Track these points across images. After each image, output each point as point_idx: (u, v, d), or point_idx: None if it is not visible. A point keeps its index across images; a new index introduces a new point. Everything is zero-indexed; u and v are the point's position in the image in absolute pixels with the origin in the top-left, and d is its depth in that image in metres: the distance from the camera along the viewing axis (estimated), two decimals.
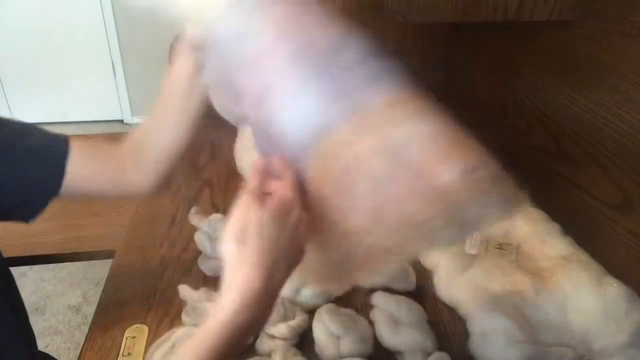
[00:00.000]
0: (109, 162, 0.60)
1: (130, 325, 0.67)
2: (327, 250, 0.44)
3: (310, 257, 0.43)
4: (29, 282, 1.94)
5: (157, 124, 0.60)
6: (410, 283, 0.72)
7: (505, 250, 0.73)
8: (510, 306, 0.62)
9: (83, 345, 0.65)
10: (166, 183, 0.62)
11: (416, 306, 0.66)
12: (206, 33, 0.44)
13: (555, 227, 0.74)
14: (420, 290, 0.72)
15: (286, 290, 0.66)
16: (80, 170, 0.58)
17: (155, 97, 0.60)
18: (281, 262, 0.41)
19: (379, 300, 0.67)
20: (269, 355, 0.60)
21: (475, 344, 0.61)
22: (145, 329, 0.66)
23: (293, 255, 0.43)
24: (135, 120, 3.31)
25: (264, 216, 0.40)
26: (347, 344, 0.61)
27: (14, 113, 3.15)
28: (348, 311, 0.65)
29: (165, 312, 0.69)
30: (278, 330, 0.62)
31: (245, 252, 0.39)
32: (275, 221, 0.40)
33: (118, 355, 0.62)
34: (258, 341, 0.63)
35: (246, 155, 0.95)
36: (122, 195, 0.62)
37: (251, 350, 0.63)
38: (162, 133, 0.59)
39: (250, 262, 0.39)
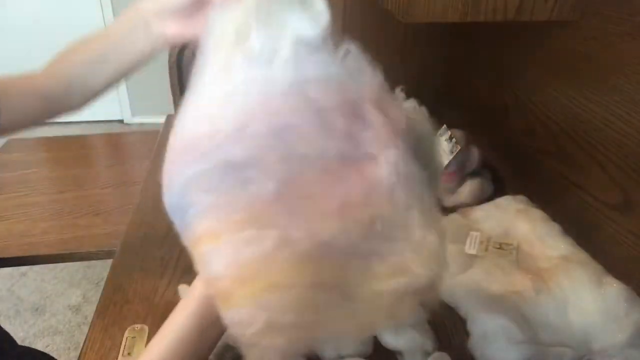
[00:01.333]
0: (38, 93, 0.60)
1: (130, 325, 0.67)
2: None
3: None
4: (29, 282, 1.93)
5: (94, 67, 0.60)
6: None
7: (505, 250, 0.73)
8: (510, 306, 0.62)
9: (83, 345, 0.65)
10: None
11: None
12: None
13: (555, 227, 0.74)
14: None
15: None
16: (10, 109, 0.58)
17: (103, 32, 0.59)
18: None
19: None
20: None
21: (475, 344, 0.61)
22: (146, 329, 0.66)
23: None
24: (136, 120, 3.31)
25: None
26: (347, 344, 0.61)
27: None
28: None
29: (165, 312, 0.69)
30: None
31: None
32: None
33: (118, 355, 0.62)
34: None
35: None
36: (54, 118, 0.64)
37: None
38: (97, 78, 0.60)
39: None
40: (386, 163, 0.36)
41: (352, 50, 0.39)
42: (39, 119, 0.63)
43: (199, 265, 0.37)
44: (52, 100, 0.61)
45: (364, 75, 0.39)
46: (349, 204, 0.35)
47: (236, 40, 0.38)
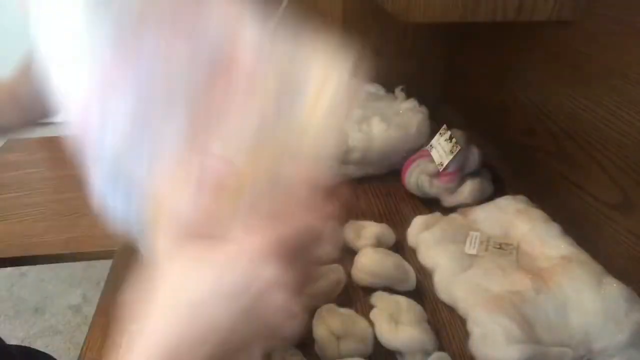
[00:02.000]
0: (14, 98, 0.60)
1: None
2: None
3: None
4: (29, 282, 1.94)
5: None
6: (410, 283, 0.72)
7: (505, 250, 0.73)
8: (510, 306, 0.62)
9: (83, 345, 0.65)
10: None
11: (416, 306, 0.66)
12: None
13: (555, 227, 0.74)
14: (420, 290, 0.72)
15: None
16: None
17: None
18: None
19: (379, 300, 0.67)
20: (269, 355, 0.60)
21: (475, 344, 0.61)
22: None
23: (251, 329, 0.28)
24: None
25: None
26: (347, 344, 0.61)
27: None
28: (348, 311, 0.65)
29: None
30: None
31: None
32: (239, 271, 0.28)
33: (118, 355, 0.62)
34: None
35: None
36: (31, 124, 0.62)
37: None
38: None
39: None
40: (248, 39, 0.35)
41: None
42: (17, 125, 0.61)
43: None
44: (26, 104, 0.60)
45: None
46: (256, 92, 0.34)
47: None
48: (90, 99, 0.33)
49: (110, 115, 0.33)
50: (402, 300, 0.66)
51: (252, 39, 0.35)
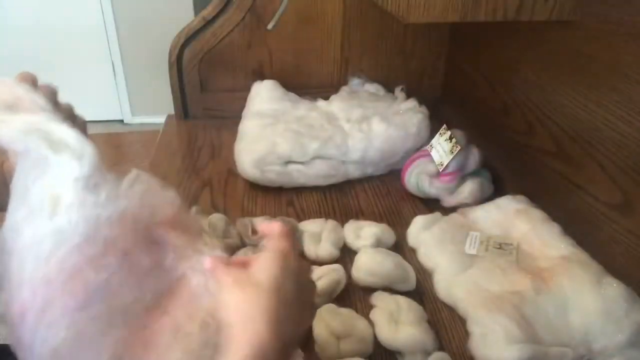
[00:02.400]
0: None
1: None
2: None
3: None
4: None
5: None
6: (410, 283, 0.72)
7: (505, 250, 0.73)
8: (510, 306, 0.62)
9: None
10: None
11: (416, 306, 0.66)
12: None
13: (555, 227, 0.74)
14: (420, 290, 0.72)
15: None
16: None
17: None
18: (291, 318, 0.39)
19: (379, 300, 0.67)
20: None
21: (475, 344, 0.61)
22: None
23: (302, 312, 0.43)
24: (136, 120, 3.31)
25: (275, 262, 0.40)
26: (347, 344, 0.61)
27: None
28: (348, 311, 0.65)
29: None
30: None
31: (254, 303, 0.37)
32: (285, 269, 0.40)
33: None
34: None
35: (245, 155, 0.95)
36: None
37: None
38: None
39: (260, 315, 0.37)
40: (194, 277, 0.40)
41: (140, 175, 0.39)
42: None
43: None
44: None
45: (154, 197, 0.40)
46: (185, 332, 0.37)
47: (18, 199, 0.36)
48: (36, 296, 0.33)
49: (47, 321, 0.34)
50: (402, 300, 0.66)
51: (197, 280, 0.39)
